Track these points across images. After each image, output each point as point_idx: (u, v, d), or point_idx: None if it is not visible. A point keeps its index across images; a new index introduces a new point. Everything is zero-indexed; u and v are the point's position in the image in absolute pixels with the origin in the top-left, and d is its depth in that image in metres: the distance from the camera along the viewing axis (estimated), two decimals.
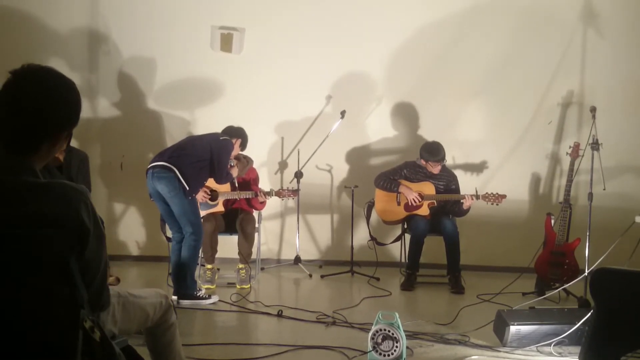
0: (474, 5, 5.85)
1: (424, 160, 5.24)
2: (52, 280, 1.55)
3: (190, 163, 4.45)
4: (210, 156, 4.55)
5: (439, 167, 5.24)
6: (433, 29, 5.89)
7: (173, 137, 5.96)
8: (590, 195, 4.59)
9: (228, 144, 4.73)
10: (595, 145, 4.59)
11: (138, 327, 2.21)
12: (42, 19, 6.01)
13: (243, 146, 5.04)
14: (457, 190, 5.30)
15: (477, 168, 5.94)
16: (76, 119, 1.70)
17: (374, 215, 5.57)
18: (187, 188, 4.37)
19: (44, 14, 6.01)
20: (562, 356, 3.39)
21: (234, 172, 4.91)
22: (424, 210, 5.24)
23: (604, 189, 4.63)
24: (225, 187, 5.14)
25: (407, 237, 5.35)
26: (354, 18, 5.93)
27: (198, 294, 4.53)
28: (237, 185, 5.17)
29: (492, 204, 5.12)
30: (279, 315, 4.21)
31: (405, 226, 5.43)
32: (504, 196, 5.10)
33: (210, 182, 4.89)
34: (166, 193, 4.39)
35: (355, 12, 5.93)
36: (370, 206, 5.50)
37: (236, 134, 4.95)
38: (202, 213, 4.81)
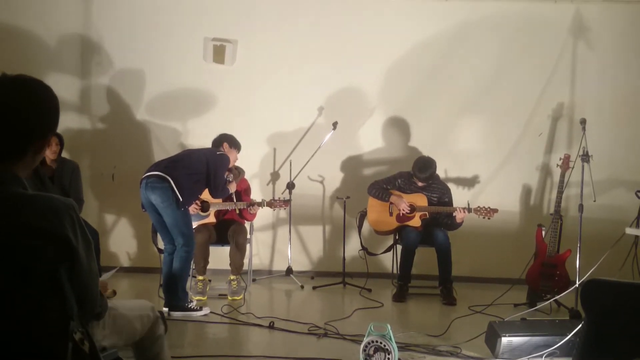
0: (465, 20, 5.89)
1: (412, 172, 5.28)
2: (41, 292, 1.55)
3: (186, 175, 4.44)
4: (206, 170, 4.55)
5: (426, 182, 5.27)
6: (425, 42, 5.93)
7: (165, 148, 5.95)
8: (581, 207, 4.61)
9: (224, 158, 4.74)
10: (585, 157, 4.62)
11: (126, 341, 2.20)
12: (34, 29, 6.00)
13: (232, 145, 4.97)
14: (450, 203, 5.31)
15: (468, 180, 5.96)
16: (56, 123, 1.69)
17: (366, 226, 5.57)
18: (181, 199, 4.36)
19: (36, 25, 6.00)
20: None
21: (232, 188, 4.92)
22: (416, 222, 5.25)
23: (594, 201, 4.65)
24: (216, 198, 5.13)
25: (399, 248, 5.36)
26: (348, 30, 5.96)
27: (189, 306, 4.50)
28: (234, 196, 5.16)
29: (484, 217, 5.13)
30: (271, 327, 4.19)
31: (397, 237, 5.43)
32: (495, 210, 5.11)
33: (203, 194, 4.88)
34: (159, 203, 4.38)
35: (348, 24, 5.97)
36: (363, 216, 5.50)
37: (219, 141, 4.92)
38: (194, 224, 4.80)
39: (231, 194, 4.93)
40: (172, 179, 4.34)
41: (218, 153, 4.76)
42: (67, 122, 5.94)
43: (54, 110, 1.67)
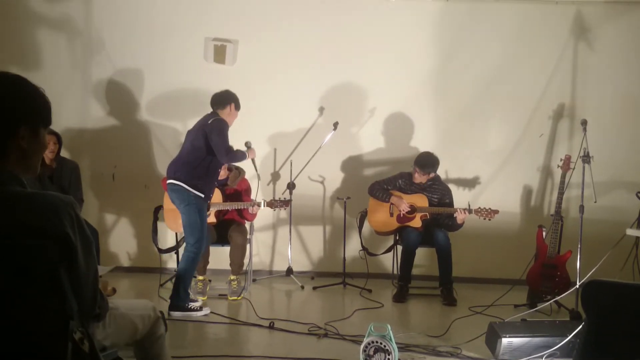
0: (466, 20, 5.89)
1: (414, 166, 5.27)
2: (41, 291, 1.54)
3: (195, 168, 4.46)
4: (207, 147, 4.49)
5: (425, 178, 5.26)
6: (425, 42, 5.93)
7: (165, 148, 5.95)
8: (582, 208, 4.61)
9: (221, 123, 4.56)
10: (586, 158, 4.62)
11: (127, 340, 2.19)
12: (35, 28, 6.00)
13: (238, 107, 4.78)
14: (450, 205, 5.30)
15: (469, 180, 5.95)
16: (33, 111, 1.64)
17: (366, 226, 5.57)
18: (202, 195, 4.44)
19: (37, 23, 6.00)
20: None
21: (251, 154, 4.93)
22: (416, 222, 5.25)
23: (595, 202, 4.65)
24: (217, 198, 5.13)
25: (399, 248, 5.35)
26: (348, 30, 5.96)
27: (189, 306, 4.50)
28: (250, 193, 5.20)
29: (485, 218, 5.12)
30: (271, 327, 4.19)
31: (397, 238, 5.43)
32: (496, 211, 5.10)
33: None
34: (179, 204, 4.48)
35: (349, 24, 5.96)
36: (363, 216, 5.50)
37: (226, 99, 4.71)
38: None
39: (244, 158, 4.81)
40: (184, 184, 4.42)
41: (212, 121, 4.55)
42: (67, 122, 5.94)
43: (24, 96, 1.63)
